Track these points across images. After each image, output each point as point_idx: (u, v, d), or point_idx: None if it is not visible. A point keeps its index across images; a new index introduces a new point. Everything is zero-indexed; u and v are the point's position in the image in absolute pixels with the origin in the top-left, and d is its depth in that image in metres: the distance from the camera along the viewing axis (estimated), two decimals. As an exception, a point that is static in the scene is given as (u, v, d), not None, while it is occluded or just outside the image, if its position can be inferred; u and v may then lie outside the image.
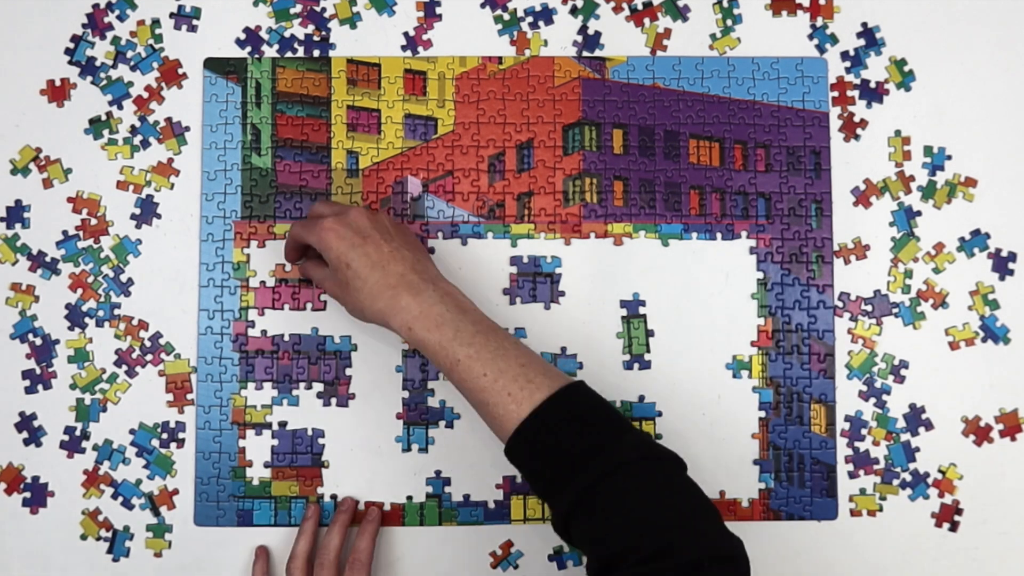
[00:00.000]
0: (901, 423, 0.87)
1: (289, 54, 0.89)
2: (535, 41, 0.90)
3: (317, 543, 0.83)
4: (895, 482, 0.86)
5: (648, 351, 0.87)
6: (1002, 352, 0.87)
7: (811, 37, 0.90)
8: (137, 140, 0.89)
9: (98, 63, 0.89)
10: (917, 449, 0.86)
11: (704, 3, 0.90)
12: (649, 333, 0.87)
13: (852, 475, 0.86)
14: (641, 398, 0.87)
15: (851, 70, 0.90)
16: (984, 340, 0.87)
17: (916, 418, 0.87)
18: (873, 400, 0.87)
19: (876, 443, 0.86)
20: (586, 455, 0.68)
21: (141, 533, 0.86)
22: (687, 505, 0.68)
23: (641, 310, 0.87)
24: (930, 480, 0.86)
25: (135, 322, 0.87)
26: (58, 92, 0.89)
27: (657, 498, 0.67)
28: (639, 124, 0.89)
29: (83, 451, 0.86)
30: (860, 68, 0.90)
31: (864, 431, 0.87)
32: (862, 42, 0.90)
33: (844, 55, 0.90)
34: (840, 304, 0.87)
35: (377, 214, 0.79)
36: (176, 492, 0.86)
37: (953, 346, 0.87)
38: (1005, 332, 0.87)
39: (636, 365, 0.87)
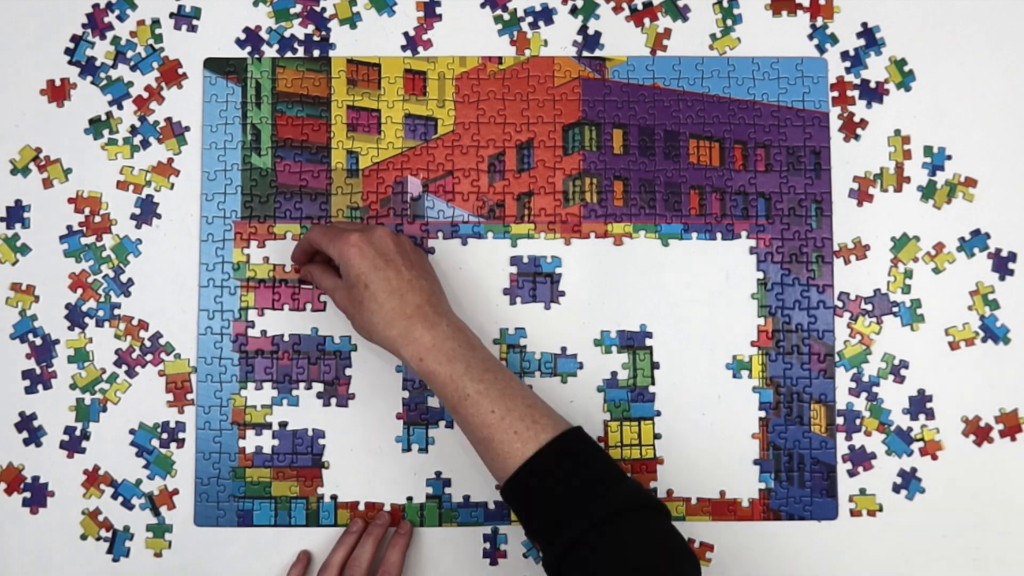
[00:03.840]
0: (897, 415, 0.87)
1: (289, 54, 0.89)
2: (535, 41, 0.90)
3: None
4: (893, 479, 0.86)
5: (653, 383, 0.87)
6: (1002, 352, 0.87)
7: (811, 37, 0.90)
8: (137, 140, 0.89)
9: (98, 63, 0.89)
10: (910, 430, 0.86)
11: (704, 3, 0.90)
12: (648, 335, 0.87)
13: (852, 473, 0.86)
14: (640, 397, 0.87)
15: (851, 70, 0.90)
16: (984, 340, 0.87)
17: (916, 407, 0.87)
18: (865, 395, 0.87)
19: (868, 434, 0.86)
20: (584, 500, 0.69)
21: (141, 533, 0.86)
22: (674, 556, 0.70)
23: (647, 341, 0.87)
24: (929, 479, 0.86)
25: (135, 322, 0.87)
26: (58, 92, 0.89)
27: (647, 548, 0.69)
28: (639, 124, 0.89)
29: (83, 451, 0.86)
30: (860, 68, 0.90)
31: (858, 421, 0.86)
32: (862, 42, 0.90)
33: (844, 55, 0.90)
34: (840, 304, 0.87)
35: (400, 237, 0.79)
36: (176, 492, 0.86)
37: (953, 346, 0.87)
38: (1005, 332, 0.87)
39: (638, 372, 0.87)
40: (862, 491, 0.86)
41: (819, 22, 0.90)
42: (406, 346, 0.75)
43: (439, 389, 0.75)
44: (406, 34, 0.90)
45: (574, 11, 0.90)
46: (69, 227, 0.88)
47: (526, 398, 0.74)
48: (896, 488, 0.86)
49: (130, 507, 0.86)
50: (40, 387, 0.87)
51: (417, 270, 0.78)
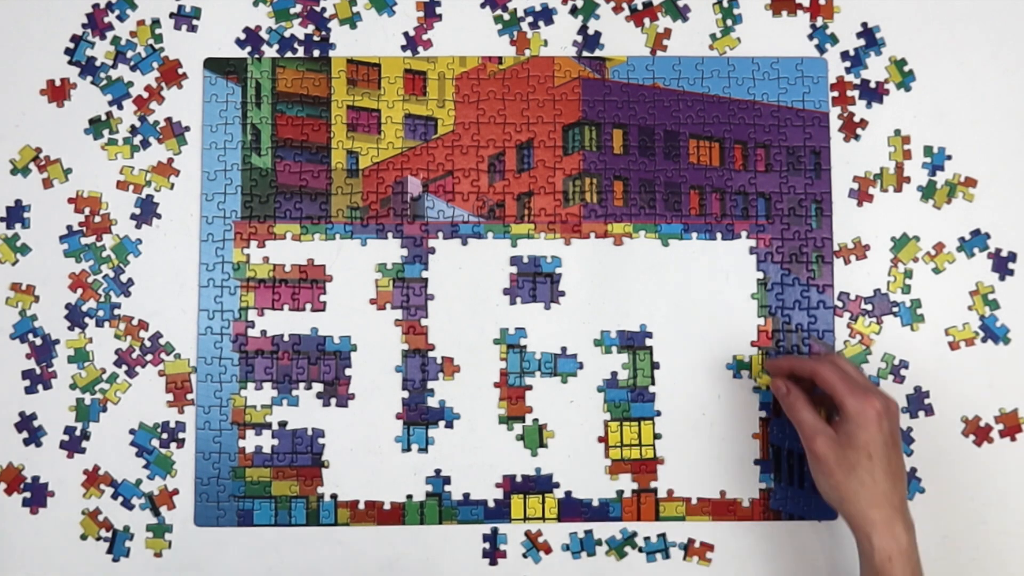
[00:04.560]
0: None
1: (289, 54, 0.89)
2: (535, 41, 0.90)
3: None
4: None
5: (653, 383, 0.87)
6: (1002, 352, 0.87)
7: (811, 37, 0.90)
8: (137, 140, 0.89)
9: (98, 63, 0.89)
10: (910, 430, 0.86)
11: (704, 3, 0.90)
12: (648, 335, 0.87)
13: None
14: (640, 397, 0.87)
15: (851, 70, 0.90)
16: (984, 340, 0.87)
17: (915, 407, 0.87)
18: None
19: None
20: None
21: (141, 533, 0.86)
22: None
23: (647, 341, 0.87)
24: (929, 479, 0.86)
25: (135, 322, 0.87)
26: (58, 92, 0.89)
27: None
28: (639, 124, 0.89)
29: (83, 451, 0.86)
30: (860, 68, 0.90)
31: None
32: (862, 42, 0.90)
33: (844, 55, 0.90)
34: (840, 304, 0.87)
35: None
36: (176, 492, 0.86)
37: (953, 346, 0.87)
38: (1005, 332, 0.87)
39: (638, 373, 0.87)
40: (862, 491, 0.86)
41: (819, 22, 0.90)
42: (882, 535, 0.72)
43: None
44: (406, 34, 0.90)
45: (574, 11, 0.90)
46: (69, 227, 0.88)
47: None
48: (897, 488, 0.86)
49: (130, 507, 0.86)
50: (40, 387, 0.87)
51: (903, 461, 0.76)
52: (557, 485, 0.86)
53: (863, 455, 0.73)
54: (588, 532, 0.86)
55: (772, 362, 0.83)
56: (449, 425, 0.87)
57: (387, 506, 0.86)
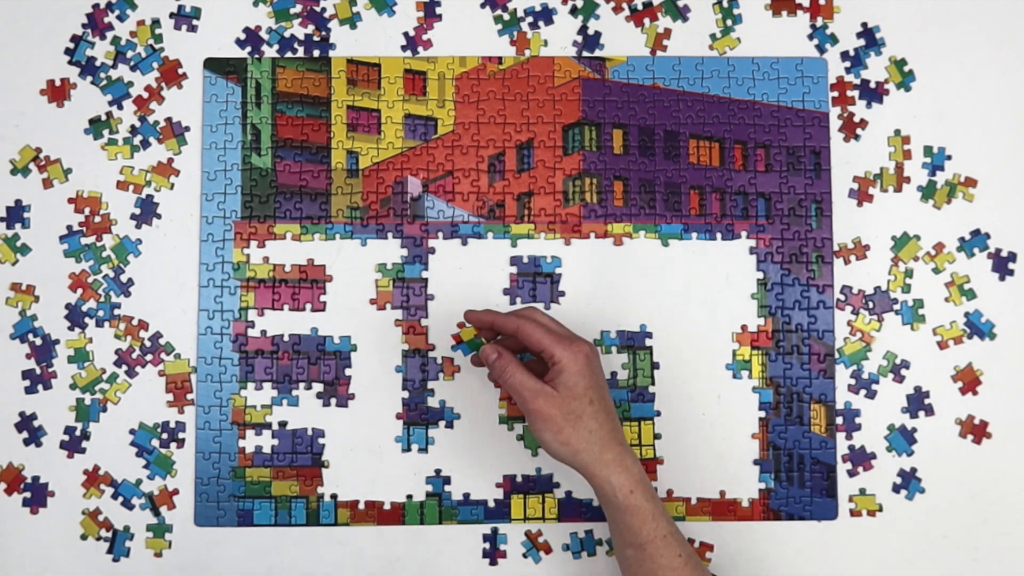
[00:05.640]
0: (896, 414, 0.87)
1: (289, 54, 0.89)
2: (535, 41, 0.90)
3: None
4: (893, 479, 0.86)
5: (653, 383, 0.87)
6: (1001, 352, 0.87)
7: (811, 37, 0.90)
8: (137, 140, 0.89)
9: (98, 63, 0.89)
10: (914, 430, 0.86)
11: (704, 3, 0.90)
12: (648, 335, 0.87)
13: (852, 473, 0.86)
14: (640, 397, 0.87)
15: (851, 70, 0.90)
16: (983, 339, 0.87)
17: (915, 406, 0.87)
18: (864, 392, 0.87)
19: (868, 433, 0.86)
20: None
21: (141, 533, 0.86)
22: None
23: (647, 341, 0.87)
24: (929, 479, 0.86)
25: (135, 322, 0.87)
26: (58, 92, 0.89)
27: None
28: (639, 124, 0.89)
29: (83, 451, 0.86)
30: (860, 68, 0.90)
31: (857, 420, 0.86)
32: (862, 42, 0.90)
33: (844, 55, 0.90)
34: (842, 297, 0.87)
35: None
36: (176, 492, 0.86)
37: (952, 344, 0.87)
38: (1005, 332, 0.87)
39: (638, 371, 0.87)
40: (862, 491, 0.86)
41: (819, 22, 0.90)
42: (619, 473, 0.73)
43: (637, 523, 0.73)
44: (406, 34, 0.90)
45: (574, 11, 0.90)
46: (69, 227, 0.88)
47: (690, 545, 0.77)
48: (896, 488, 0.86)
49: (130, 507, 0.86)
50: (40, 387, 0.87)
51: (611, 397, 0.77)
52: (557, 485, 0.86)
53: (585, 402, 0.73)
54: (588, 532, 0.86)
55: (473, 314, 0.81)
56: (449, 425, 0.87)
57: (387, 506, 0.86)
